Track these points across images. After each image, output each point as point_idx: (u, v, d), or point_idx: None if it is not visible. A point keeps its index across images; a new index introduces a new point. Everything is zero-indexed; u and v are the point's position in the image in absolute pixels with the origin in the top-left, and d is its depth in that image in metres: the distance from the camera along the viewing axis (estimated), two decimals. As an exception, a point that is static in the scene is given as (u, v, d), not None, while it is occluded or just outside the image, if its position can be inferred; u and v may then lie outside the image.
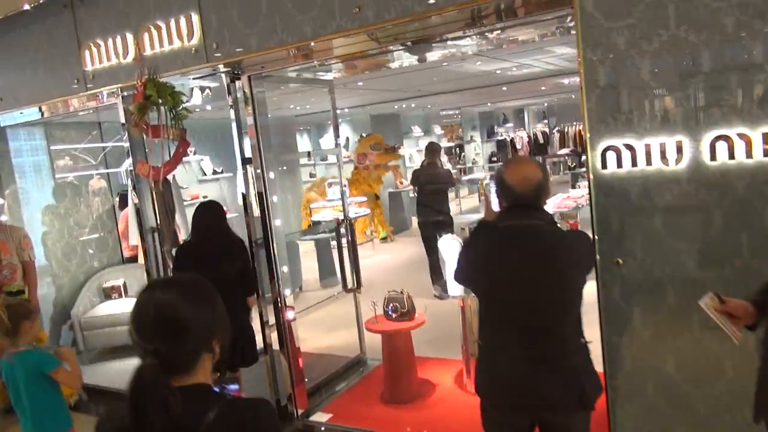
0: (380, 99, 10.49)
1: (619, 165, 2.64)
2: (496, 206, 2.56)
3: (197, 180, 9.07)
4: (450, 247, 4.33)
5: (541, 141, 21.02)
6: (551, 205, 7.83)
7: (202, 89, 4.63)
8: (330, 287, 8.04)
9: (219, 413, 1.27)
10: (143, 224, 4.60)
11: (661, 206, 2.59)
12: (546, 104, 21.20)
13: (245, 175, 3.82)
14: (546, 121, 22.33)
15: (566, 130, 20.90)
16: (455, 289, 4.24)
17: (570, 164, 16.69)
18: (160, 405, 1.19)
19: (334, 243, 6.68)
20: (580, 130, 20.24)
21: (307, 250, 8.89)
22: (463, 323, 4.43)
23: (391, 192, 12.27)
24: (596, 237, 2.71)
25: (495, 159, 17.49)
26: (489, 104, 17.44)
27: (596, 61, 2.65)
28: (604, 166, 2.67)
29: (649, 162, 2.59)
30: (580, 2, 2.62)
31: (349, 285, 4.99)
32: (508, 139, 18.95)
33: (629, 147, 2.61)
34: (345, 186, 4.97)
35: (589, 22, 2.63)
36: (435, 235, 7.15)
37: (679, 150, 2.52)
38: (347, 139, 12.26)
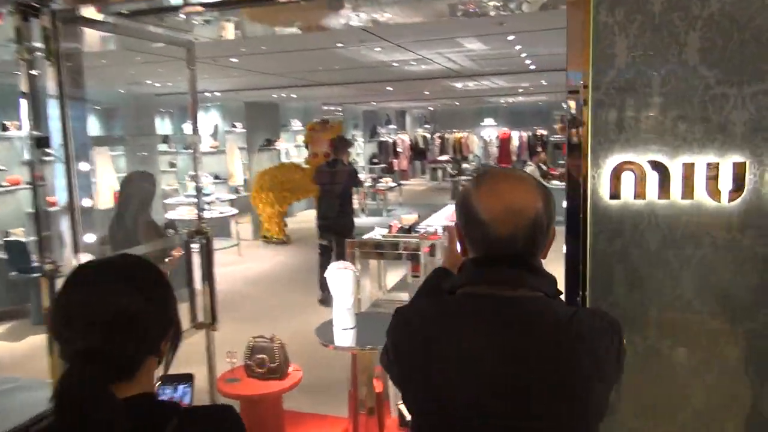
0: (257, 84, 9.14)
1: (638, 193, 1.67)
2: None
3: (20, 161, 7.26)
4: (337, 279, 3.21)
5: (422, 146, 20.61)
6: (442, 216, 7.02)
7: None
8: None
9: (177, 428, 1.07)
10: None
11: (699, 261, 1.66)
12: (431, 108, 20.82)
13: (31, 163, 2.38)
14: (427, 126, 21.99)
15: (446, 136, 20.69)
16: (344, 339, 3.13)
17: (451, 171, 16.30)
18: (105, 426, 0.98)
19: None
20: (460, 138, 20.09)
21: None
22: (353, 378, 3.33)
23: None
24: (587, 304, 1.74)
25: (376, 161, 16.65)
26: (374, 103, 16.59)
27: (613, 25, 1.66)
28: (613, 193, 1.69)
29: (688, 192, 1.64)
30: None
31: (199, 318, 3.70)
32: (390, 141, 18.23)
33: (657, 166, 1.65)
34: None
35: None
36: (327, 240, 6.36)
37: (739, 177, 1.60)
38: (216, 127, 10.72)
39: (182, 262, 3.64)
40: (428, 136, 21.39)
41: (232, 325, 5.65)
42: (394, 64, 7.24)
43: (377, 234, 5.82)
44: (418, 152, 20.30)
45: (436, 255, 6.84)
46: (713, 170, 1.59)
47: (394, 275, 7.27)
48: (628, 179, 1.66)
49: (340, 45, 5.62)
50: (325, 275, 3.29)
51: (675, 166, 1.63)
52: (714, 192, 1.60)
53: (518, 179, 1.22)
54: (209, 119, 10.92)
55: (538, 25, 5.06)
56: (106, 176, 8.96)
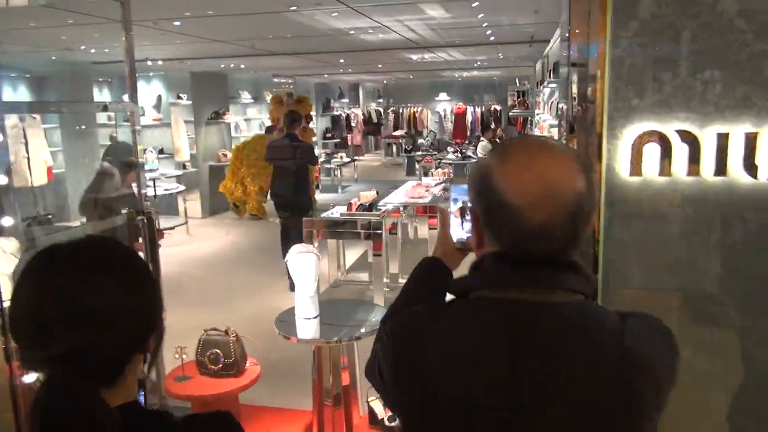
0: (204, 52, 8.58)
1: (664, 170, 1.43)
2: (459, 232, 1.24)
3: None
4: (299, 263, 2.90)
5: (375, 120, 20.25)
6: (402, 193, 6.77)
7: None
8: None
9: None
10: None
11: (729, 249, 1.44)
12: (385, 82, 20.42)
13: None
14: (380, 100, 21.60)
15: (401, 111, 20.38)
16: (307, 330, 2.84)
17: (406, 146, 16.02)
18: None
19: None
20: (414, 113, 19.82)
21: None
22: (318, 367, 3.05)
23: (212, 165, 10.39)
24: (600, 300, 1.50)
25: (330, 135, 16.20)
26: (326, 75, 16.09)
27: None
28: (634, 169, 1.44)
29: (721, 168, 1.40)
30: None
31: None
32: (344, 116, 17.79)
33: (686, 137, 1.41)
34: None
35: None
36: (287, 222, 6.01)
37: (785, 150, 1.36)
38: (159, 98, 10.08)
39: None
40: (381, 110, 21.03)
41: (181, 312, 5.27)
42: (351, 32, 6.86)
43: (336, 212, 5.52)
44: (371, 127, 19.94)
45: (398, 234, 6.61)
46: (751, 142, 1.36)
47: (352, 254, 7.00)
48: (651, 152, 1.41)
49: (293, 8, 5.21)
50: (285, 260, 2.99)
51: (707, 137, 1.39)
52: (751, 167, 1.37)
53: (556, 151, 0.93)
54: (152, 90, 10.27)
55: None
56: (39, 150, 8.30)
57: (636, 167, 1.43)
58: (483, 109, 18.47)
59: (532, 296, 0.92)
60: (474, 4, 5.18)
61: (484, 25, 6.60)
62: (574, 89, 1.47)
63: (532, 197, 0.88)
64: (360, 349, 3.18)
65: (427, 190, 6.89)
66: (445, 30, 6.99)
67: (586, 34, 1.46)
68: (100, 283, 0.94)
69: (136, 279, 1.00)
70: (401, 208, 6.29)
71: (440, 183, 7.30)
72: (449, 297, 1.07)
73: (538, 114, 8.30)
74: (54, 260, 0.95)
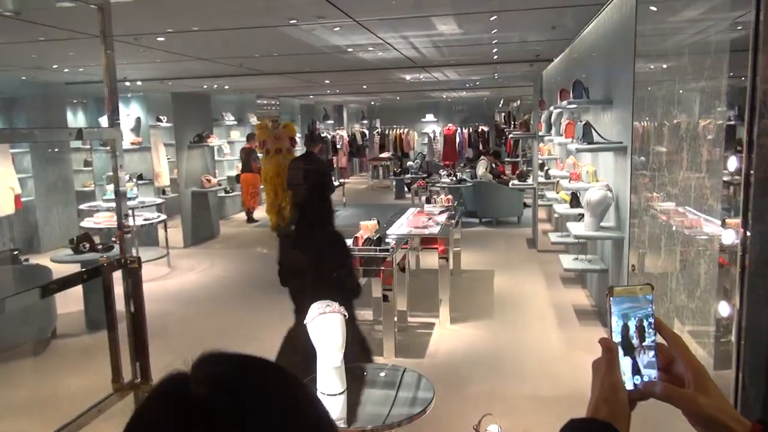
0: (186, 71, 8.03)
1: None
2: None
3: None
4: (321, 327, 2.34)
5: (360, 142, 19.79)
6: (405, 223, 6.24)
7: None
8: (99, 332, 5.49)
9: None
10: None
11: None
12: (373, 102, 19.99)
13: None
14: (365, 121, 21.18)
15: (387, 132, 19.97)
16: (331, 410, 2.28)
17: (394, 169, 15.52)
18: None
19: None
20: (400, 134, 19.41)
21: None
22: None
23: (195, 191, 9.77)
24: None
25: (315, 158, 15.64)
26: (311, 96, 15.60)
27: None
28: None
29: None
30: None
31: (126, 378, 2.77)
32: (329, 137, 17.27)
33: None
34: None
35: None
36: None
37: None
38: (138, 120, 9.46)
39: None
40: (366, 132, 20.59)
41: (167, 360, 4.65)
42: (348, 50, 6.39)
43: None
44: (356, 149, 19.47)
45: (407, 268, 6.07)
46: None
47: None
48: None
49: (293, 21, 4.71)
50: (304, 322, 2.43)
51: None
52: None
53: None
54: (131, 112, 9.65)
55: (527, 3, 4.35)
56: (6, 178, 7.61)
57: None
58: (470, 130, 18.13)
59: None
60: (492, 18, 4.73)
61: (494, 42, 6.17)
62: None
63: None
64: None
65: (430, 219, 6.40)
66: (450, 47, 6.55)
67: None
68: None
69: None
70: (408, 240, 5.77)
71: (445, 210, 6.81)
72: None
73: (541, 135, 7.88)
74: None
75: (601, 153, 5.22)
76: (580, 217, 5.46)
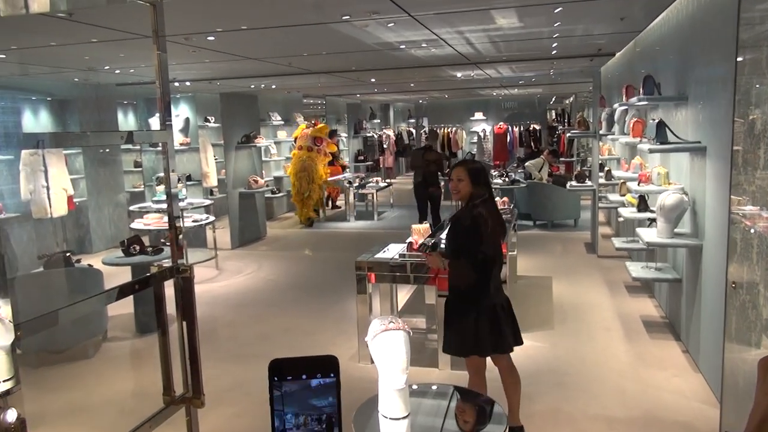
0: (234, 71, 7.96)
1: None
2: None
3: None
4: (383, 344, 2.11)
5: (407, 141, 19.53)
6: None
7: None
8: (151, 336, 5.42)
9: None
10: None
11: None
12: (421, 101, 19.72)
13: None
14: (411, 120, 20.90)
15: (436, 130, 19.66)
16: (394, 409, 2.06)
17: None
18: None
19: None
20: (448, 132, 19.06)
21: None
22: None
23: (242, 192, 9.71)
24: None
25: (362, 158, 15.49)
26: (358, 95, 15.44)
27: None
28: None
29: None
30: None
31: (177, 391, 2.59)
32: (376, 137, 17.07)
33: None
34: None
35: None
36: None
37: None
38: (186, 120, 9.46)
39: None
40: (413, 131, 20.33)
41: (215, 367, 4.53)
42: (401, 46, 6.15)
43: (392, 252, 4.76)
44: (402, 148, 19.23)
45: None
46: None
47: (400, 294, 6.21)
48: None
49: (346, 18, 4.50)
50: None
51: None
52: None
53: None
54: (179, 113, 9.67)
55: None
56: (60, 179, 7.68)
57: None
58: (522, 129, 17.65)
59: None
60: (557, 10, 4.41)
61: (554, 36, 5.83)
62: None
63: None
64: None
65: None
66: (506, 42, 6.23)
67: None
68: None
69: None
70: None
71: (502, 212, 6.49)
72: None
73: (602, 134, 7.47)
74: None
75: (674, 154, 4.84)
76: (649, 222, 5.08)
